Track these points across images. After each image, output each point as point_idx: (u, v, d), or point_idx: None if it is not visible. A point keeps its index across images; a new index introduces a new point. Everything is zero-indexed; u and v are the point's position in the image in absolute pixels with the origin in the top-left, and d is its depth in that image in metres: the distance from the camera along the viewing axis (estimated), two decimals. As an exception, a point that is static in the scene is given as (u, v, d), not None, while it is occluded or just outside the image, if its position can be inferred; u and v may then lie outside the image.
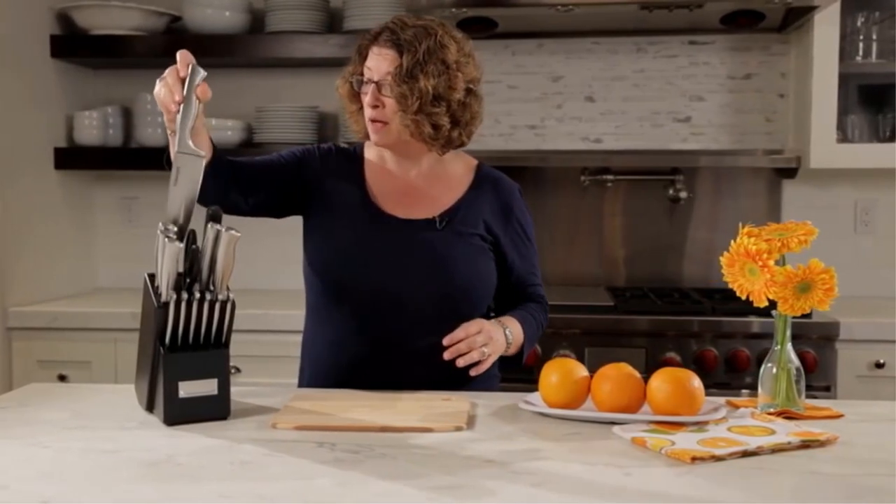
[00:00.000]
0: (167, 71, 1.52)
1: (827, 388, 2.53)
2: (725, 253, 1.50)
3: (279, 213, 1.85)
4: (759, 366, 2.50)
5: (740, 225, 1.52)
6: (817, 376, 2.52)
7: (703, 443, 1.33)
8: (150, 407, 1.51)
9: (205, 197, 1.54)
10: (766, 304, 1.47)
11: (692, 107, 3.14)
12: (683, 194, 3.07)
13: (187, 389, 1.45)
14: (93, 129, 3.09)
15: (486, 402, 1.61)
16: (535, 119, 3.19)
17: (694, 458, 1.26)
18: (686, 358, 2.58)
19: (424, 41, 1.71)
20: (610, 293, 2.94)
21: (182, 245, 1.43)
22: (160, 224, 1.46)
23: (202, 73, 1.50)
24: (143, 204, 3.33)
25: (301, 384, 1.88)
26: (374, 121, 1.76)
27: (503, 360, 1.85)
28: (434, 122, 1.73)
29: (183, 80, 1.49)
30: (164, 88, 1.50)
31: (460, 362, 1.67)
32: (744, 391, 2.49)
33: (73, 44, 3.07)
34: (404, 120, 1.72)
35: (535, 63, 3.18)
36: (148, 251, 3.19)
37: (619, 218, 3.16)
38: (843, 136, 2.89)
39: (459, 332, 1.68)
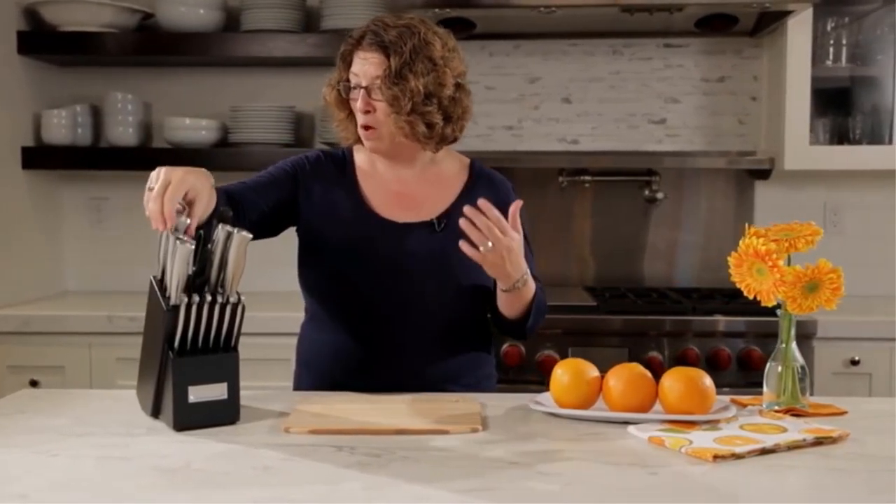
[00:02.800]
0: (151, 215, 1.42)
1: (804, 386, 2.58)
2: (733, 253, 1.51)
3: (278, 231, 1.82)
4: (739, 364, 2.61)
5: (746, 226, 1.54)
6: (796, 374, 2.56)
7: (719, 441, 1.34)
8: (155, 412, 1.47)
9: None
10: (775, 303, 1.49)
11: (667, 108, 3.17)
12: (660, 195, 3.11)
13: (197, 394, 1.42)
14: (62, 127, 3.01)
15: (495, 402, 1.61)
16: (513, 120, 3.20)
17: (716, 457, 1.27)
18: (669, 357, 2.61)
19: (409, 40, 1.69)
20: (588, 293, 2.97)
21: (193, 246, 1.40)
22: (168, 226, 1.43)
23: (186, 221, 1.43)
24: (113, 205, 3.26)
25: (299, 388, 1.85)
26: (366, 127, 1.74)
27: (509, 327, 1.79)
28: (428, 120, 1.72)
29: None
30: (149, 206, 1.43)
31: (462, 223, 1.57)
32: (725, 389, 2.52)
33: (41, 40, 2.98)
34: (398, 122, 1.71)
35: (513, 64, 3.19)
36: (118, 253, 3.19)
37: (596, 218, 3.19)
38: (815, 139, 2.95)
39: (493, 214, 1.57)
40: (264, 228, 1.75)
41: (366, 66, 1.71)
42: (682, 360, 2.59)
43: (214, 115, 3.08)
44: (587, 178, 3.13)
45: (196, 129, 3.02)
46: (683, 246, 3.18)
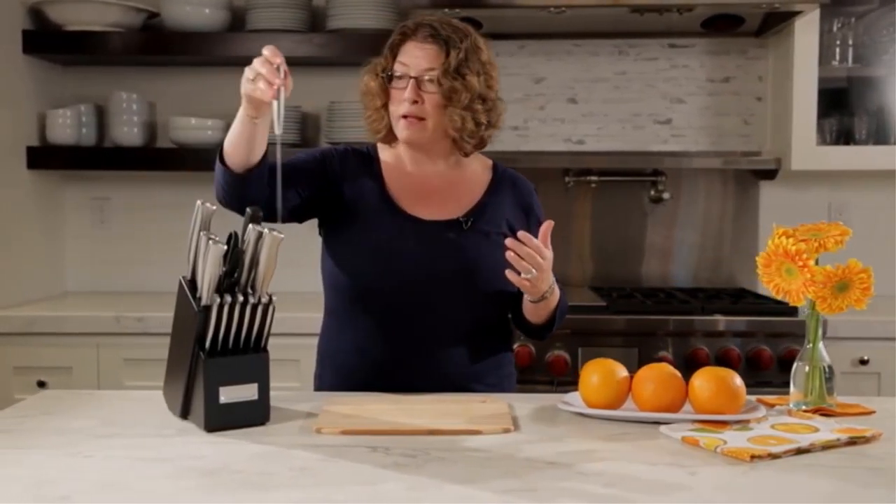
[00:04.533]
0: (258, 63, 1.51)
1: (813, 385, 2.59)
2: (762, 253, 1.52)
3: (305, 216, 1.80)
4: (749, 363, 2.61)
5: (774, 226, 1.54)
6: (805, 373, 2.57)
7: (753, 441, 1.34)
8: (184, 413, 1.46)
9: (253, 201, 1.50)
10: (804, 303, 1.50)
11: (672, 109, 3.18)
12: (666, 195, 3.12)
13: (228, 395, 1.41)
14: (66, 127, 2.99)
15: (522, 403, 1.61)
16: (518, 120, 3.20)
17: (753, 457, 1.27)
18: (678, 357, 2.61)
19: (465, 40, 1.73)
20: (595, 293, 2.97)
21: (226, 247, 1.39)
22: (199, 229, 1.42)
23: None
24: (115, 205, 3.24)
25: (321, 388, 1.84)
26: (409, 116, 1.73)
27: (531, 330, 1.83)
28: (477, 119, 1.74)
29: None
30: (262, 81, 1.50)
31: (510, 255, 1.59)
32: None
33: (46, 40, 2.97)
34: (452, 114, 1.72)
35: (517, 64, 3.19)
36: (119, 253, 3.16)
37: (601, 219, 3.19)
38: (821, 139, 2.97)
39: (533, 243, 1.59)
40: (297, 214, 1.76)
41: (418, 57, 1.72)
42: (691, 359, 2.59)
43: (220, 114, 3.05)
44: (593, 178, 3.14)
45: (201, 129, 3.00)
46: (689, 246, 3.19)
